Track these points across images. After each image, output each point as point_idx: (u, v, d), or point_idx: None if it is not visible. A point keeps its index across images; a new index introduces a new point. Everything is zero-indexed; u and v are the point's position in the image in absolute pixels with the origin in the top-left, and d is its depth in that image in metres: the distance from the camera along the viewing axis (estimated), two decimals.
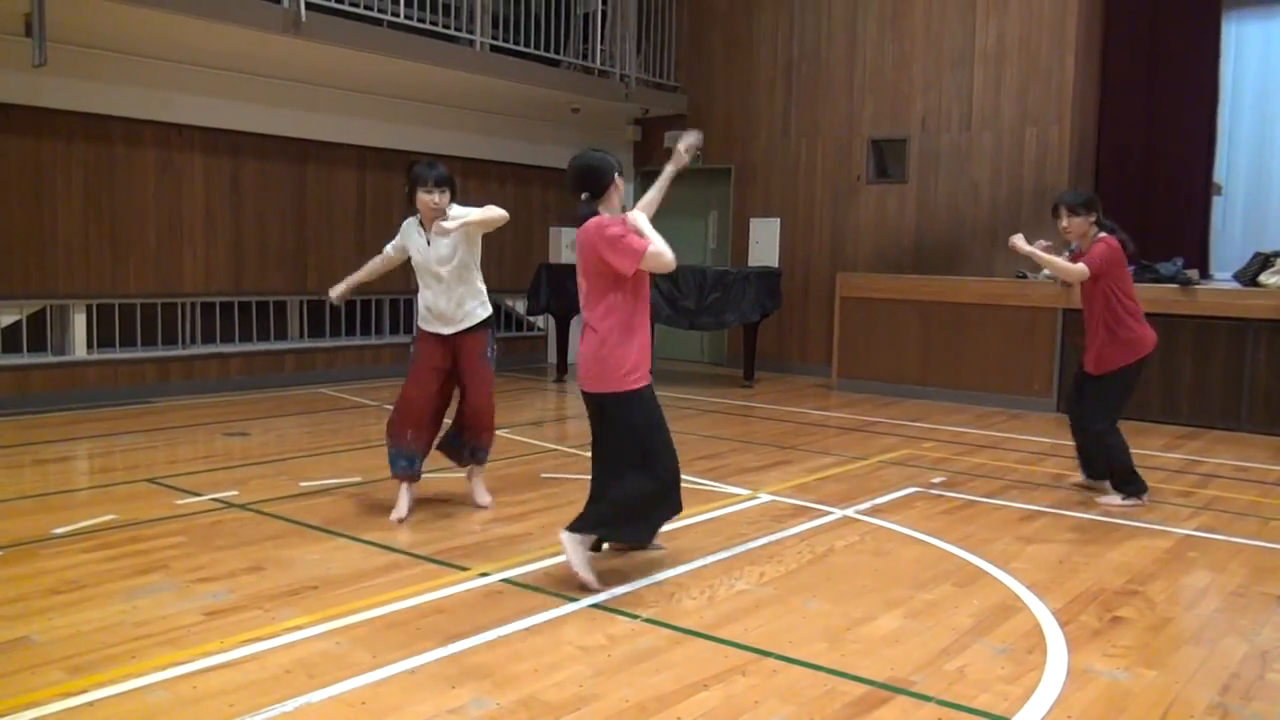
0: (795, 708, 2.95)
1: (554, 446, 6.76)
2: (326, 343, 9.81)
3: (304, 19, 8.02)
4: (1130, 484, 5.51)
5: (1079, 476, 5.92)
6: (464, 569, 4.14)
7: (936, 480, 6.05)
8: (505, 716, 2.86)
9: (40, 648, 3.25)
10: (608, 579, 4.03)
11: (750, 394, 9.66)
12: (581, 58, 11.09)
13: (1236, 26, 9.57)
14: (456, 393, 5.01)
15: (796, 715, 2.91)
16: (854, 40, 10.77)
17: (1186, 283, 8.30)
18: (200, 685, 3.00)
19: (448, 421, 5.06)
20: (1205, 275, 9.14)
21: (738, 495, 5.54)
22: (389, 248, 5.12)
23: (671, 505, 4.08)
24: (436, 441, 5.05)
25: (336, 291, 5.19)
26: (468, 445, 5.02)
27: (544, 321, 11.42)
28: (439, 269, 4.82)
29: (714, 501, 5.36)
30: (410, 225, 4.97)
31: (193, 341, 8.91)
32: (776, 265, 10.97)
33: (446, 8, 9.59)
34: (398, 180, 10.13)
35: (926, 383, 9.49)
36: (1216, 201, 9.60)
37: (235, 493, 5.31)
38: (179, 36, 7.93)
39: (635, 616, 3.65)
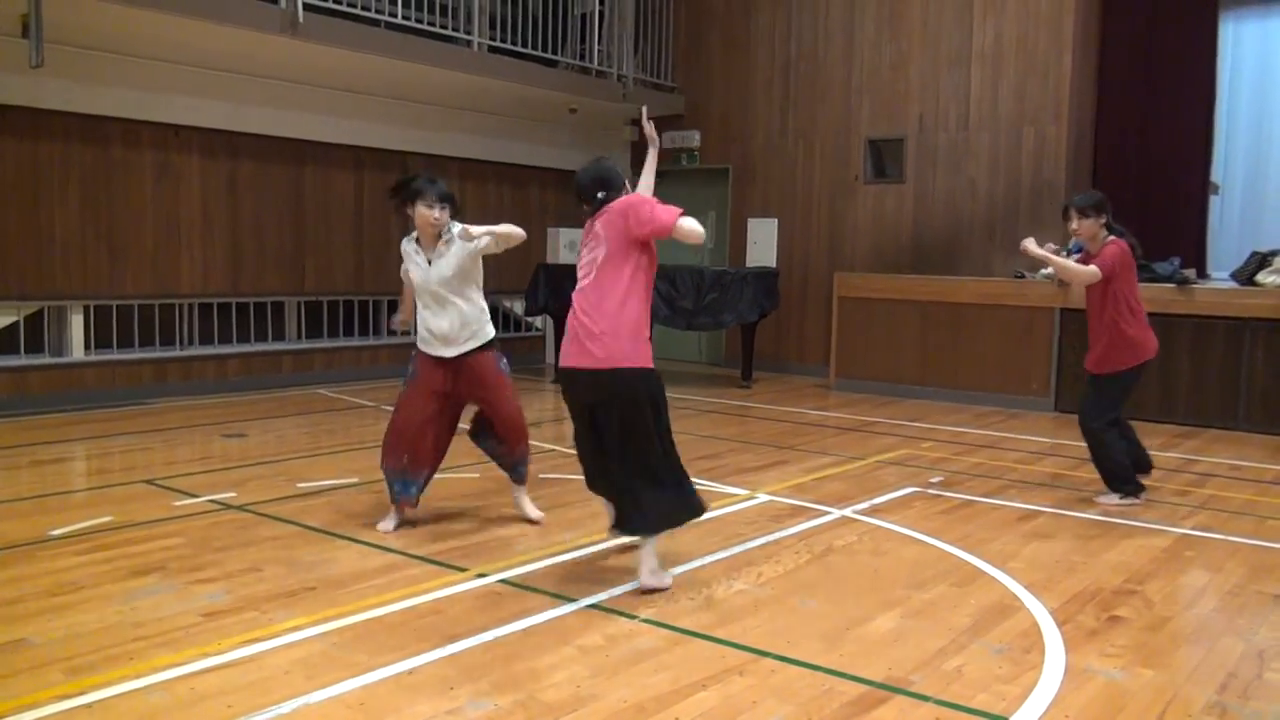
0: (793, 708, 2.95)
1: (552, 446, 6.76)
2: (324, 344, 9.81)
3: (301, 20, 8.01)
4: (1126, 483, 5.52)
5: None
6: (462, 570, 4.14)
7: (934, 480, 6.05)
8: (503, 717, 2.86)
9: (38, 649, 3.25)
10: (607, 579, 4.03)
11: (748, 394, 9.66)
12: (579, 58, 11.09)
13: (1234, 25, 9.59)
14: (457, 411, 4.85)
15: (794, 715, 2.91)
16: (851, 40, 10.77)
17: (1184, 282, 8.31)
18: (198, 686, 3.00)
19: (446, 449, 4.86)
20: (1202, 274, 9.15)
21: (736, 495, 5.54)
22: (403, 273, 4.84)
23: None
24: (492, 457, 4.89)
25: (398, 320, 5.02)
26: (507, 460, 4.83)
27: (541, 322, 11.42)
28: (440, 289, 4.57)
29: (712, 502, 5.34)
30: (408, 246, 4.72)
31: (190, 342, 8.90)
32: (774, 265, 10.97)
33: (444, 8, 9.59)
34: (395, 181, 10.17)
35: (924, 382, 9.49)
36: (1214, 201, 9.61)
37: (233, 494, 5.31)
38: (176, 37, 7.92)
39: (633, 617, 3.65)
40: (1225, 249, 9.45)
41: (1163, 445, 7.25)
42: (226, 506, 5.07)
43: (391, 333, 5.08)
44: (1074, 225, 5.45)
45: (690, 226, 3.75)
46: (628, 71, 11.29)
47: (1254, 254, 8.38)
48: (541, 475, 5.83)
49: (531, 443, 4.96)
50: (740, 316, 9.72)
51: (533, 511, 4.88)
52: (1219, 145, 9.56)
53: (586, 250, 3.94)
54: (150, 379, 8.50)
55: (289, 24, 7.99)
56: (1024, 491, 5.81)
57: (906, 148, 10.47)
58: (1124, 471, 5.51)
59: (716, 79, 11.76)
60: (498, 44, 9.99)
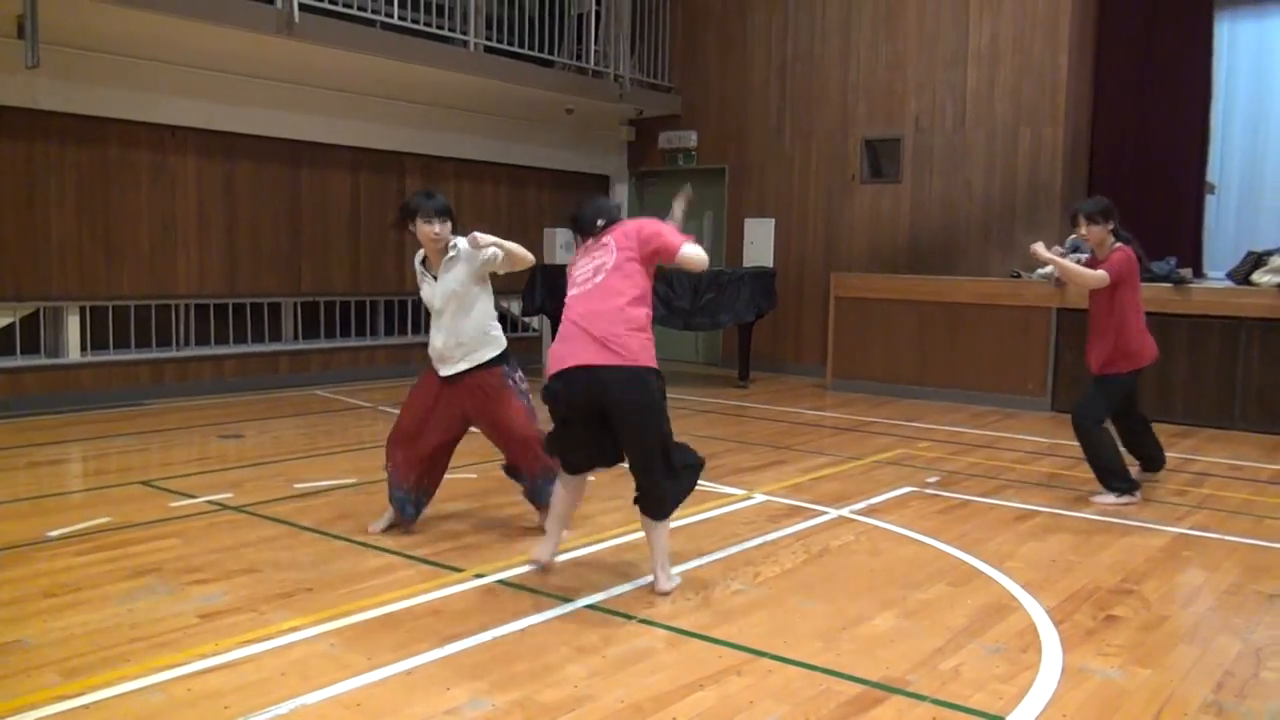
0: (790, 708, 2.95)
1: None
2: (321, 344, 9.80)
3: (297, 20, 8.01)
4: (1119, 479, 5.53)
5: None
6: (459, 570, 4.14)
7: (931, 480, 6.06)
8: (501, 717, 2.86)
9: (35, 650, 3.24)
10: (604, 580, 4.04)
11: (745, 394, 9.67)
12: (575, 58, 11.10)
13: (1229, 25, 9.60)
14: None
15: (791, 715, 2.91)
16: (848, 40, 10.78)
17: (1180, 281, 8.32)
18: (195, 687, 3.00)
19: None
20: (1199, 274, 9.16)
21: (733, 495, 5.54)
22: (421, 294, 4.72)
23: None
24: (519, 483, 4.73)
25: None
26: (526, 485, 4.68)
27: (538, 322, 11.42)
28: (446, 304, 4.46)
29: (709, 502, 5.36)
30: (417, 265, 4.66)
31: (187, 343, 8.89)
32: (771, 265, 10.97)
33: (440, 8, 9.59)
34: (392, 182, 10.21)
35: (921, 382, 9.50)
36: (1210, 200, 9.63)
37: (230, 495, 5.31)
38: (172, 38, 7.92)
39: (630, 617, 3.65)
40: (1221, 248, 9.47)
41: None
42: (223, 507, 5.07)
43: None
44: (1082, 231, 5.56)
45: (694, 254, 3.89)
46: (624, 72, 11.29)
47: (1250, 253, 8.40)
48: None
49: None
50: (737, 316, 9.72)
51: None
52: (1215, 145, 9.57)
53: (588, 259, 3.93)
54: (147, 380, 8.49)
55: (285, 25, 7.98)
56: (1021, 491, 5.82)
57: (903, 148, 10.48)
58: (1117, 468, 5.54)
59: (713, 79, 11.76)
60: (494, 44, 9.98)
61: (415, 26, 9.17)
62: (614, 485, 5.38)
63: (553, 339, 4.01)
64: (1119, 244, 5.51)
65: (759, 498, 5.51)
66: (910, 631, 3.58)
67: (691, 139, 11.90)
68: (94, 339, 8.26)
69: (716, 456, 6.60)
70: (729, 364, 11.11)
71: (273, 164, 9.26)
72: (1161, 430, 7.67)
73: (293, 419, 7.81)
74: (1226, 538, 4.91)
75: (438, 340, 4.51)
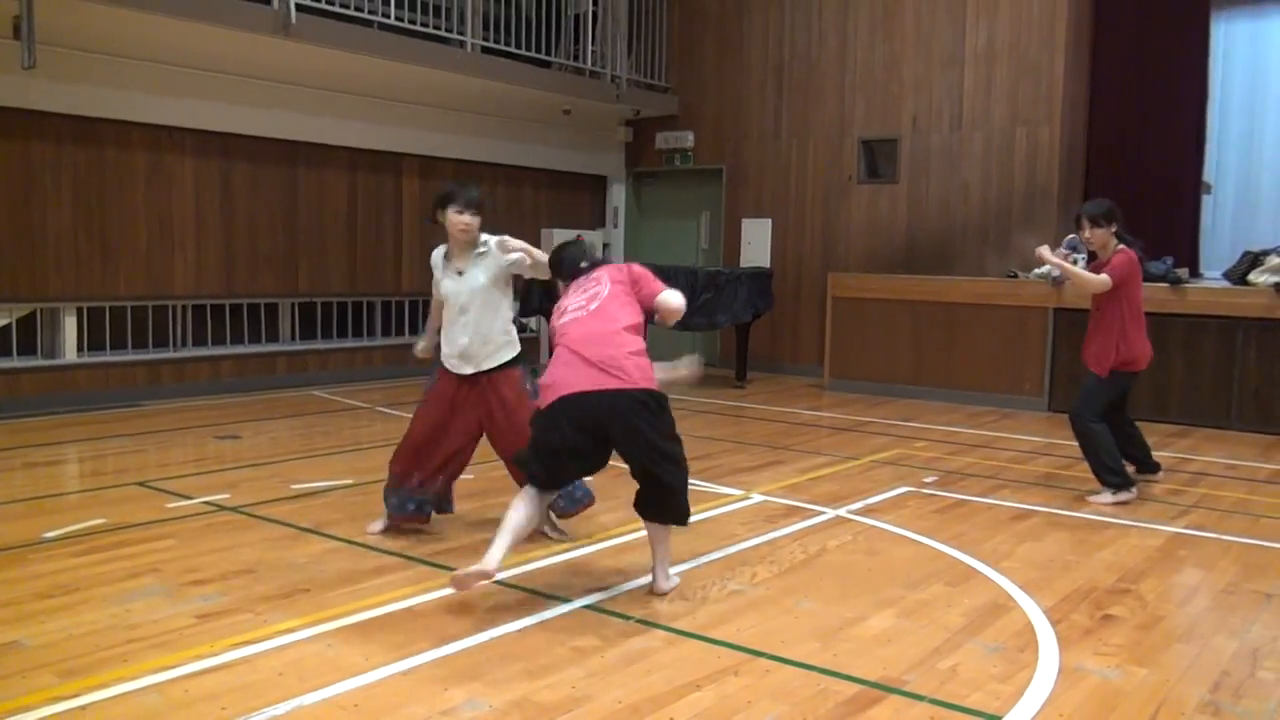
0: (788, 708, 2.95)
1: None
2: (318, 345, 9.79)
3: (294, 21, 8.01)
4: (1116, 474, 5.54)
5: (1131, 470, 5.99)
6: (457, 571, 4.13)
7: (928, 480, 6.06)
8: (498, 718, 2.86)
9: (31, 652, 3.24)
10: (601, 580, 4.03)
11: (742, 394, 9.67)
12: (572, 59, 11.10)
13: (1225, 26, 9.61)
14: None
15: (789, 715, 2.91)
16: (844, 41, 10.79)
17: (1176, 281, 8.33)
18: (192, 688, 2.99)
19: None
20: (1195, 274, 9.17)
21: (730, 496, 5.55)
22: (435, 287, 4.61)
23: None
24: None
25: (421, 346, 4.79)
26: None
27: (536, 323, 11.42)
28: (470, 301, 4.42)
29: (707, 502, 5.36)
30: (436, 257, 4.57)
31: (183, 344, 8.88)
32: (768, 266, 10.98)
33: (437, 9, 9.59)
34: (389, 182, 10.21)
35: (918, 382, 9.50)
36: (1206, 200, 9.64)
37: (227, 495, 5.30)
38: (168, 39, 7.91)
39: (628, 618, 3.65)
40: (1218, 248, 9.48)
41: (1156, 444, 7.24)
42: (220, 508, 5.06)
43: (418, 361, 4.88)
44: (1086, 234, 5.58)
45: (675, 300, 3.94)
46: (621, 72, 11.30)
47: (1246, 253, 8.41)
48: None
49: None
50: (734, 317, 9.73)
51: (555, 533, 4.64)
52: (1211, 145, 9.58)
53: (579, 293, 3.91)
54: (143, 381, 8.48)
55: (281, 25, 7.98)
56: (1018, 491, 5.82)
57: (900, 148, 10.48)
58: (1114, 462, 5.56)
59: (710, 80, 11.77)
60: (491, 45, 9.98)
61: (412, 27, 9.17)
62: (613, 485, 5.38)
63: (550, 345, 3.96)
64: (1121, 246, 5.54)
65: (756, 498, 5.52)
66: (908, 631, 3.58)
67: (689, 139, 11.90)
68: (90, 340, 8.25)
69: (714, 457, 6.60)
70: (726, 364, 11.11)
71: (270, 165, 9.25)
72: (1158, 430, 7.71)
73: (290, 420, 7.81)
74: (1223, 537, 4.92)
75: (462, 338, 4.43)
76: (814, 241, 11.10)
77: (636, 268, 4.02)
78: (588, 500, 4.64)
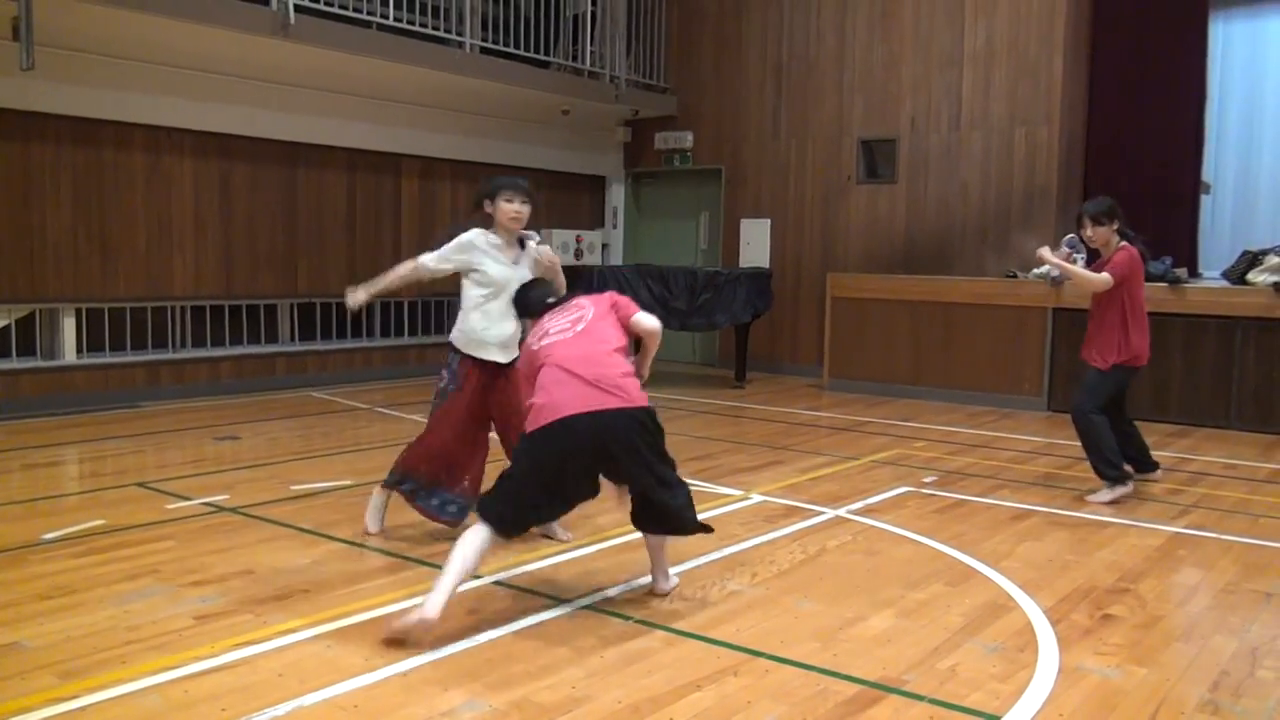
0: (787, 708, 2.95)
1: None
2: (317, 346, 9.79)
3: (292, 22, 8.01)
4: (1115, 467, 5.55)
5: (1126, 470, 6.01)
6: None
7: (928, 480, 6.06)
8: (498, 718, 2.86)
9: (31, 653, 3.24)
10: (601, 581, 4.03)
11: (742, 395, 9.67)
12: (571, 59, 11.10)
13: (1224, 26, 9.61)
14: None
15: (789, 715, 2.91)
16: (843, 41, 10.79)
17: (1175, 281, 8.34)
18: (192, 689, 2.99)
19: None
20: (1194, 274, 9.18)
21: (730, 496, 5.55)
22: (430, 259, 4.45)
23: None
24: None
25: (356, 298, 4.49)
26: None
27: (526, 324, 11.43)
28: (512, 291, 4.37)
29: (706, 502, 5.36)
30: (480, 240, 4.43)
31: (183, 345, 8.88)
32: (767, 266, 10.98)
33: (436, 10, 9.59)
34: (388, 183, 10.21)
35: (917, 382, 9.51)
36: (1205, 200, 9.64)
37: (226, 496, 5.30)
38: (167, 40, 7.91)
39: (628, 618, 3.65)
40: (1216, 248, 9.48)
41: (1156, 444, 7.25)
42: (219, 509, 5.06)
43: (351, 310, 4.70)
44: (1088, 232, 5.60)
45: (652, 321, 3.89)
46: (620, 72, 11.30)
47: (1245, 253, 8.42)
48: None
49: None
50: (734, 317, 9.73)
51: (561, 534, 4.64)
52: (1210, 145, 9.58)
53: (560, 317, 3.81)
54: (142, 382, 8.48)
55: (280, 26, 7.98)
56: (1017, 491, 5.82)
57: (899, 149, 10.49)
58: (1115, 456, 5.57)
59: (709, 80, 11.77)
60: (490, 46, 9.98)
61: (411, 28, 9.17)
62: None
63: (526, 364, 3.85)
64: (1123, 243, 5.55)
65: (756, 498, 5.52)
66: (907, 631, 3.58)
67: (687, 139, 11.90)
68: (90, 341, 8.25)
69: (713, 457, 6.60)
70: (726, 364, 11.12)
71: (269, 165, 9.25)
72: (1157, 429, 7.72)
73: (289, 420, 7.81)
74: (1223, 537, 4.92)
75: (508, 327, 4.41)
76: (813, 242, 11.10)
77: (614, 295, 3.95)
78: None
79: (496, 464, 4.85)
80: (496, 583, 4.00)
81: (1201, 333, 8.14)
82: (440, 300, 10.59)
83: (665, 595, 3.87)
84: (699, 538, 4.64)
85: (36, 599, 3.73)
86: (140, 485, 5.54)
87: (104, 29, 7.59)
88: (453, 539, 3.49)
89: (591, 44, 11.20)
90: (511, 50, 10.21)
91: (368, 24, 8.87)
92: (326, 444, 6.95)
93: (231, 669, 3.14)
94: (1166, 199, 9.46)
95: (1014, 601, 3.92)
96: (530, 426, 3.58)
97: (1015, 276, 9.23)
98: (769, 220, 11.38)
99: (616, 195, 12.59)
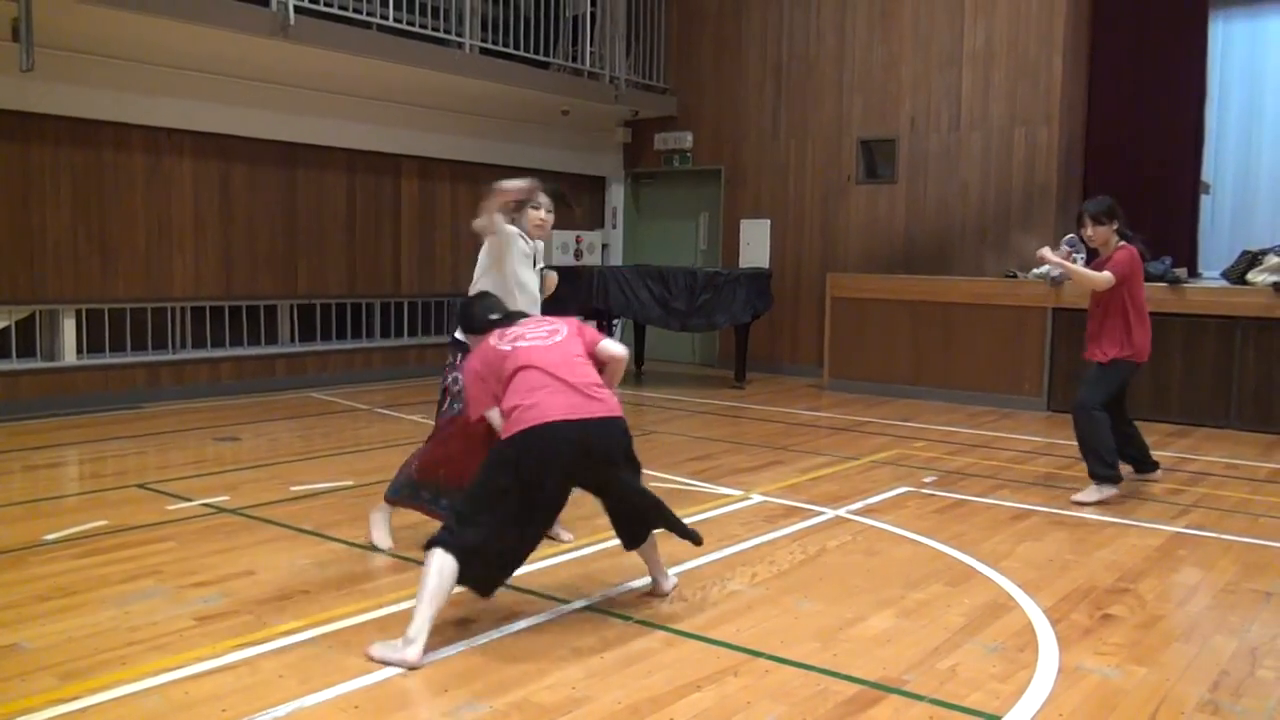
0: (787, 708, 2.95)
1: None
2: (317, 346, 9.79)
3: (292, 23, 8.01)
4: (1110, 466, 5.54)
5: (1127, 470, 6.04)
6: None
7: (928, 480, 6.07)
8: (498, 719, 2.86)
9: (31, 654, 3.24)
10: (600, 581, 4.03)
11: (742, 395, 9.67)
12: (571, 60, 11.10)
13: (1223, 25, 9.62)
14: None
15: (789, 715, 2.91)
16: (843, 41, 10.79)
17: (1175, 281, 8.34)
18: (193, 690, 2.99)
19: None
20: (1194, 274, 9.18)
21: (730, 496, 5.55)
22: (515, 258, 4.48)
23: None
24: None
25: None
26: None
27: None
28: (535, 295, 4.49)
29: (706, 503, 5.37)
30: (519, 237, 4.48)
31: (183, 346, 8.88)
32: (767, 266, 10.98)
33: (435, 10, 9.59)
34: (388, 184, 10.21)
35: (917, 382, 9.51)
36: (1204, 200, 9.64)
37: (226, 497, 5.30)
38: (167, 41, 7.91)
39: (627, 618, 3.65)
40: (1216, 248, 9.48)
41: (1156, 444, 7.25)
42: (220, 510, 5.06)
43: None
44: (1088, 232, 5.62)
45: (615, 350, 3.79)
46: (620, 73, 11.30)
47: (1244, 253, 8.42)
48: None
49: None
50: (733, 317, 9.73)
51: (563, 534, 4.62)
52: (1209, 145, 9.58)
53: (534, 325, 3.76)
54: (143, 383, 8.48)
55: (280, 27, 7.98)
56: (1017, 491, 5.83)
57: (898, 149, 10.49)
58: (1110, 456, 5.56)
59: (708, 80, 11.77)
60: (489, 46, 9.98)
61: (411, 29, 9.17)
62: None
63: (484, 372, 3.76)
64: (1122, 243, 5.57)
65: (756, 498, 5.52)
66: (907, 631, 3.58)
67: (687, 140, 11.91)
68: (90, 342, 8.25)
69: (713, 457, 6.60)
70: (725, 365, 11.12)
71: (268, 166, 9.25)
72: (1158, 429, 7.72)
73: (289, 421, 7.81)
74: (1223, 536, 4.92)
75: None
76: (813, 242, 11.10)
77: (579, 320, 3.90)
78: None
79: None
80: None
81: (1201, 333, 8.14)
82: (440, 301, 10.60)
83: (666, 595, 3.87)
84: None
85: (37, 600, 3.73)
86: (141, 486, 5.55)
87: (104, 30, 7.59)
88: None
89: (591, 44, 11.20)
90: (511, 51, 10.21)
91: (367, 25, 8.87)
92: (327, 445, 6.95)
93: (232, 670, 3.14)
94: (1166, 199, 9.46)
95: (1014, 601, 3.92)
96: (512, 429, 3.42)
97: (1015, 276, 9.23)
98: (769, 220, 11.39)
99: (616, 195, 12.59)
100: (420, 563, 4.24)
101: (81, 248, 8.10)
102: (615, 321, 11.10)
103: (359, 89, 9.57)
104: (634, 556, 4.30)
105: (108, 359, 8.32)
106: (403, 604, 3.73)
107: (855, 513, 5.24)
